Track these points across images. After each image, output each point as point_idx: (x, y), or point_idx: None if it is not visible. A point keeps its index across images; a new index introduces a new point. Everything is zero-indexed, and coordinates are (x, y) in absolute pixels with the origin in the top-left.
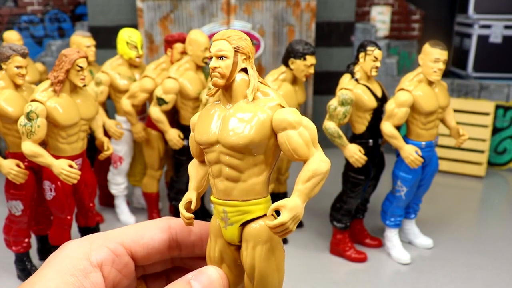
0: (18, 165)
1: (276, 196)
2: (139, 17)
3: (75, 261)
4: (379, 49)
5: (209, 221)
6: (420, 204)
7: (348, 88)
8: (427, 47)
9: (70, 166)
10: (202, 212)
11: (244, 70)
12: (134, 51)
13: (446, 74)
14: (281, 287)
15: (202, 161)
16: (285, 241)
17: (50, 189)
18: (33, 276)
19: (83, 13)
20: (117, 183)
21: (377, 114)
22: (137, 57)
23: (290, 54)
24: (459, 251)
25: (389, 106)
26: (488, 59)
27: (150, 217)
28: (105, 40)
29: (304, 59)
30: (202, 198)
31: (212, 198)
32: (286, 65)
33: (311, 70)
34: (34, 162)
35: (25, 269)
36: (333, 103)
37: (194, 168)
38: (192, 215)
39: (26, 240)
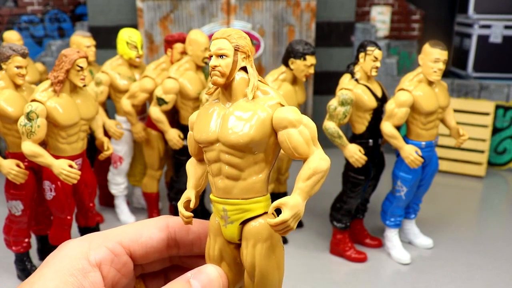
0: (18, 165)
1: (276, 196)
2: (139, 17)
3: (74, 261)
4: (379, 49)
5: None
6: (420, 204)
7: (348, 88)
8: (427, 47)
9: (70, 166)
10: (202, 212)
11: (244, 68)
12: (134, 51)
13: (446, 74)
14: (281, 285)
15: (200, 160)
16: (285, 241)
17: (50, 189)
18: (32, 276)
19: (83, 13)
20: (117, 183)
21: (377, 114)
22: (137, 57)
23: (290, 54)
24: (459, 251)
25: (389, 106)
26: (488, 59)
27: (150, 217)
28: (105, 40)
29: (304, 59)
30: (202, 198)
31: (211, 196)
32: (286, 65)
33: (311, 70)
34: (34, 162)
35: (25, 269)
36: (333, 103)
37: (192, 167)
38: (191, 214)
39: (26, 240)
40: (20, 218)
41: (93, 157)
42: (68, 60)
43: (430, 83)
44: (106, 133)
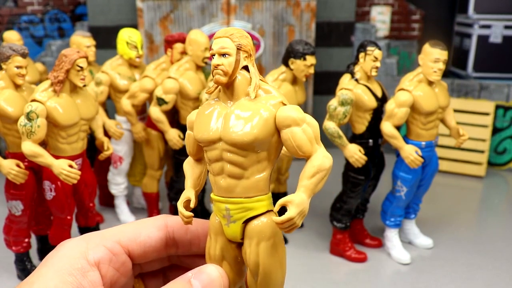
0: (18, 165)
1: (276, 196)
2: (139, 17)
3: (72, 260)
4: (379, 49)
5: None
6: (420, 204)
7: (348, 88)
8: (427, 47)
9: (70, 166)
10: (202, 212)
11: (245, 68)
12: (134, 51)
13: (446, 74)
14: (283, 282)
15: (198, 160)
16: (285, 241)
17: (50, 189)
18: (31, 276)
19: (83, 13)
20: (117, 183)
21: (377, 114)
22: (137, 57)
23: (290, 54)
24: (459, 251)
25: (389, 106)
26: (488, 59)
27: (150, 217)
28: (105, 40)
29: (304, 59)
30: (202, 198)
31: (212, 196)
32: (286, 65)
33: (311, 70)
34: (34, 162)
35: (25, 269)
36: (333, 103)
37: (190, 167)
38: (192, 214)
39: (26, 240)
40: (20, 218)
41: (93, 157)
42: (68, 60)
43: (430, 83)
44: (106, 133)
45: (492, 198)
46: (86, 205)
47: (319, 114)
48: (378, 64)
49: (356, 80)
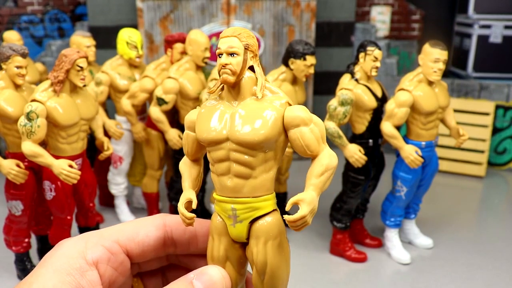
0: (18, 165)
1: (276, 196)
2: (139, 17)
3: (71, 260)
4: (379, 49)
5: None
6: (420, 204)
7: (348, 88)
8: (427, 47)
9: (70, 166)
10: (202, 212)
11: (250, 67)
12: (134, 51)
13: (446, 74)
14: (288, 280)
15: (195, 160)
16: None
17: (50, 189)
18: (30, 276)
19: (83, 13)
20: (117, 183)
21: (377, 114)
22: (137, 57)
23: (290, 54)
24: (459, 251)
25: (389, 106)
26: (488, 59)
27: None
28: (105, 40)
29: (304, 59)
30: (202, 198)
31: (216, 196)
32: (286, 65)
33: (311, 70)
34: (34, 162)
35: (25, 269)
36: (333, 103)
37: (187, 167)
38: (194, 215)
39: (26, 240)
40: (20, 218)
41: (93, 157)
42: (68, 60)
43: (430, 83)
44: (106, 133)
45: (492, 198)
46: (86, 205)
47: (319, 114)
48: (378, 64)
49: (356, 80)
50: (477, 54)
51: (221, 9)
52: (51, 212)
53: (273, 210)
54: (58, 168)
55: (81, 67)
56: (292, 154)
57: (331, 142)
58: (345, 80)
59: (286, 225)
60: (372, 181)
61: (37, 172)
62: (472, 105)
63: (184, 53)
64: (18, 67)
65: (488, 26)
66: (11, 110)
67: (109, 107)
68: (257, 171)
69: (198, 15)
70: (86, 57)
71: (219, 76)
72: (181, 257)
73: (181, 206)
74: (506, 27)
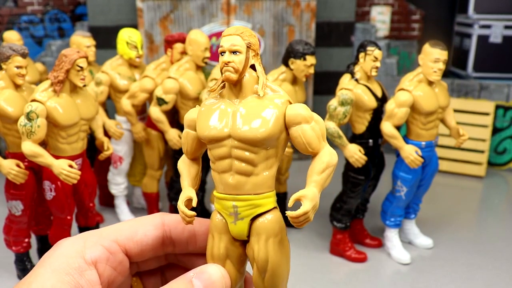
0: (18, 165)
1: (276, 196)
2: (139, 17)
3: (69, 259)
4: (379, 49)
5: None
6: (420, 204)
7: (348, 88)
8: (427, 47)
9: (70, 166)
10: (202, 212)
11: (251, 66)
12: (134, 51)
13: (446, 74)
14: (288, 278)
15: (194, 159)
16: None
17: (50, 189)
18: (29, 275)
19: (83, 13)
20: (117, 183)
21: (377, 114)
22: (137, 57)
23: (290, 54)
24: (459, 251)
25: (389, 106)
26: (488, 59)
27: None
28: (105, 40)
29: (304, 59)
30: (202, 198)
31: (217, 194)
32: (286, 65)
33: (311, 70)
34: (34, 162)
35: (25, 269)
36: (333, 103)
37: (186, 166)
38: (195, 213)
39: (26, 240)
40: (20, 218)
41: (93, 157)
42: (68, 60)
43: (430, 83)
44: (106, 133)
45: (492, 198)
46: (86, 205)
47: (319, 114)
48: (378, 64)
49: (356, 80)
50: (477, 54)
51: (221, 9)
52: (51, 212)
53: (274, 208)
54: (58, 168)
55: (81, 67)
56: (292, 154)
57: (331, 142)
58: (345, 80)
59: (286, 223)
60: (372, 181)
61: (37, 172)
62: (472, 105)
63: (184, 53)
64: (18, 67)
65: (488, 26)
66: (11, 110)
67: (109, 107)
68: (259, 168)
69: (198, 15)
70: (86, 57)
71: (221, 74)
72: (179, 256)
73: (181, 204)
74: (506, 27)
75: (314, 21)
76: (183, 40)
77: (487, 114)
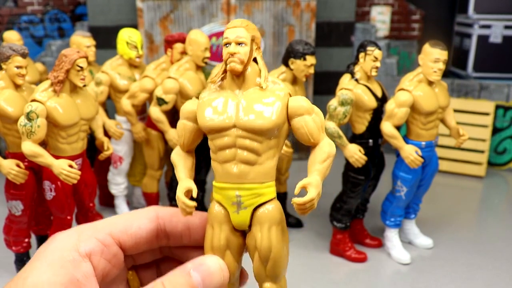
0: (18, 165)
1: (277, 196)
2: (139, 17)
3: (64, 253)
4: (379, 49)
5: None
6: (420, 204)
7: (348, 88)
8: (427, 47)
9: (70, 166)
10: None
11: (253, 60)
12: (134, 51)
13: (446, 74)
14: (286, 268)
15: (189, 151)
16: None
17: (50, 189)
18: (24, 270)
19: (83, 13)
20: (117, 183)
21: (377, 114)
22: (137, 57)
23: (290, 54)
24: (459, 251)
25: (389, 106)
26: (488, 59)
27: None
28: (105, 40)
29: (304, 59)
30: (202, 198)
31: (217, 184)
32: (286, 65)
33: (311, 70)
34: (34, 162)
35: None
36: (333, 103)
37: (181, 158)
38: (195, 203)
39: (26, 240)
40: (20, 218)
41: (93, 157)
42: (68, 60)
43: (430, 83)
44: (106, 133)
45: (492, 198)
46: (86, 205)
47: None
48: (378, 64)
49: (356, 80)
50: (477, 54)
51: (221, 9)
52: (51, 212)
53: (274, 198)
54: (58, 168)
55: (81, 67)
56: (292, 154)
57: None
58: (345, 80)
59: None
60: (372, 181)
61: (37, 172)
62: (472, 105)
63: (184, 53)
64: (18, 67)
65: (488, 26)
66: (11, 110)
67: (109, 107)
68: (262, 157)
69: (198, 15)
70: (86, 57)
71: (226, 65)
72: (174, 249)
73: (181, 194)
74: (506, 27)
75: (314, 21)
76: (183, 40)
77: (487, 114)
